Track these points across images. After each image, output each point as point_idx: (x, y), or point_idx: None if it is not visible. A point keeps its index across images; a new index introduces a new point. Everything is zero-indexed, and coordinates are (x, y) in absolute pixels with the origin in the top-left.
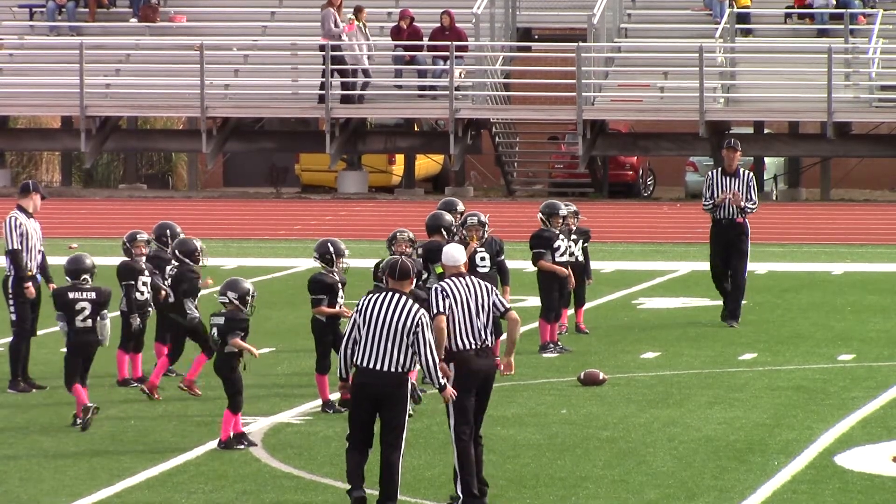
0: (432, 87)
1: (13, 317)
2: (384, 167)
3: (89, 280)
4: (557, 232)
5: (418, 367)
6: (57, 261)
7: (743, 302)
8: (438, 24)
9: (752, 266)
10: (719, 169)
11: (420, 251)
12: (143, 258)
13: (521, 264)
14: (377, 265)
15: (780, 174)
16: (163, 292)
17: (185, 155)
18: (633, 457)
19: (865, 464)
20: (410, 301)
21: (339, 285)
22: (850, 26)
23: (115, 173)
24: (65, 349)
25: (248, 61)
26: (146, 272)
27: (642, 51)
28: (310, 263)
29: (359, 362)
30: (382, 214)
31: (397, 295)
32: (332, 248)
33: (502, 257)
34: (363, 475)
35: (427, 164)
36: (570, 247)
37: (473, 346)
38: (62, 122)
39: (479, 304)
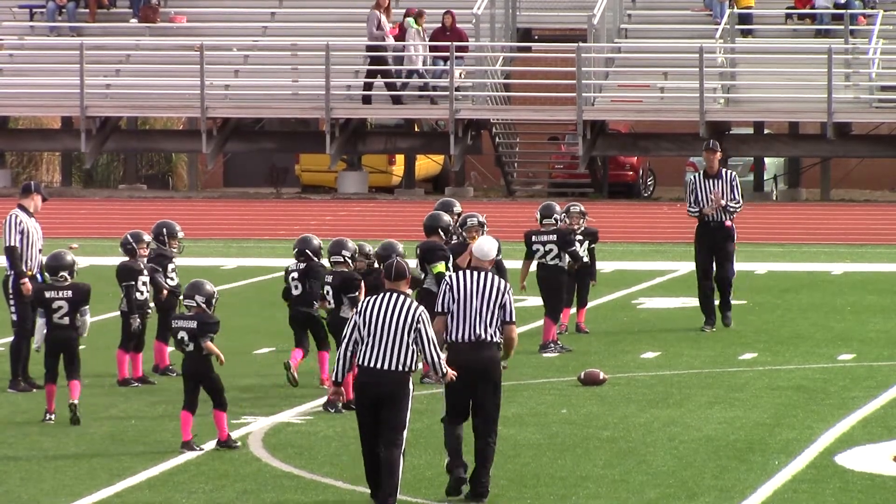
0: (433, 88)
1: (14, 317)
2: (384, 167)
3: (68, 277)
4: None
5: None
6: None
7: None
8: (439, 25)
9: (752, 266)
10: (701, 171)
11: (417, 251)
12: (145, 259)
13: (520, 264)
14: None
15: (780, 174)
16: (164, 291)
17: (185, 155)
18: (633, 456)
19: (866, 463)
20: (409, 300)
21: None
22: (850, 27)
23: (115, 174)
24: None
25: (249, 62)
26: (146, 272)
27: (642, 51)
28: None
29: (360, 362)
30: (382, 215)
31: (395, 294)
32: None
33: (499, 257)
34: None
35: (427, 164)
36: (551, 249)
37: (467, 339)
38: (62, 123)
39: (484, 299)
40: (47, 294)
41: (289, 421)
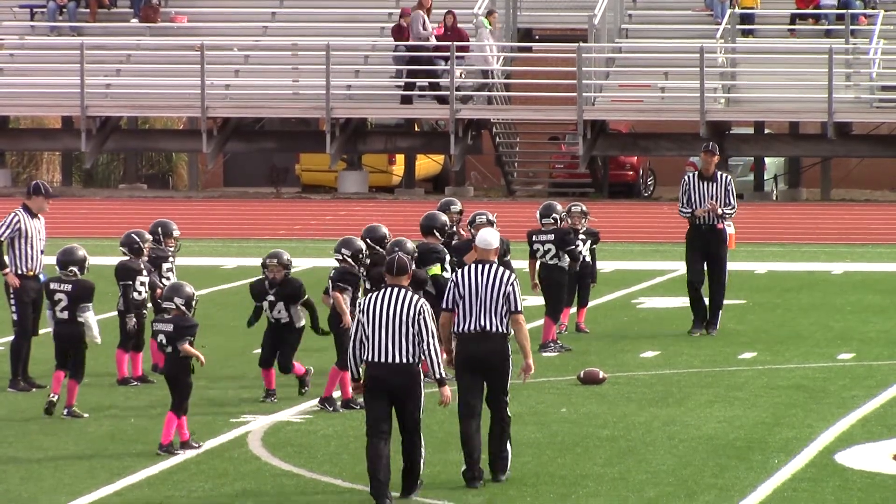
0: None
1: (14, 316)
2: (384, 167)
3: (77, 272)
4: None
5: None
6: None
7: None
8: (439, 24)
9: (752, 265)
10: (696, 172)
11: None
12: (146, 258)
13: (521, 264)
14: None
15: (780, 174)
16: (158, 290)
17: (185, 155)
18: (633, 455)
19: (865, 462)
20: (410, 293)
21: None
22: (851, 27)
23: (115, 173)
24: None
25: (249, 61)
26: (144, 272)
27: (643, 51)
28: (310, 263)
29: (368, 358)
30: (383, 214)
31: (397, 289)
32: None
33: (507, 257)
34: (388, 474)
35: (427, 164)
36: (550, 249)
37: (473, 330)
38: (63, 122)
39: (490, 291)
40: (52, 286)
41: (288, 420)
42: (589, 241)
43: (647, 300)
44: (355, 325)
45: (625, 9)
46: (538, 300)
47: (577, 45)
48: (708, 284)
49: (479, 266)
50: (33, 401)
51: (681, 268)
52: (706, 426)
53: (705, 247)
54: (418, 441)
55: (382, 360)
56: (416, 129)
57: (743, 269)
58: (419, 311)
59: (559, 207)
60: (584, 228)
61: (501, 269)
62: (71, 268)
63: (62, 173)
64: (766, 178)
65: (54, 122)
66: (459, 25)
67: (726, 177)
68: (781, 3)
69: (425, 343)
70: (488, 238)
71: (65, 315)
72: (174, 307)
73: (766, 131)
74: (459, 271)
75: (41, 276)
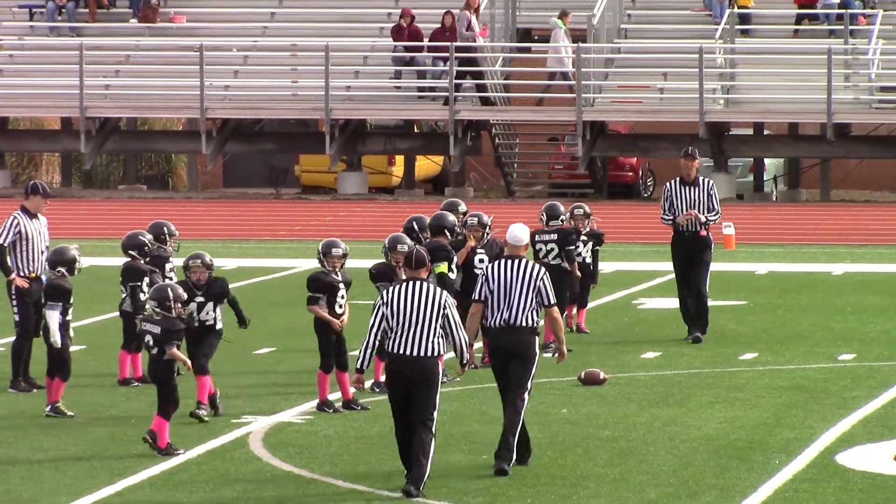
0: (432, 88)
1: (16, 317)
2: (384, 168)
3: (65, 273)
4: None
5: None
6: None
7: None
8: (438, 25)
9: (752, 266)
10: (678, 178)
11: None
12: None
13: None
14: (372, 269)
15: (779, 175)
16: None
17: (184, 156)
18: (633, 456)
19: (866, 462)
20: (433, 286)
21: (342, 285)
22: (850, 27)
23: (114, 174)
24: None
25: (248, 62)
26: (148, 273)
27: (642, 52)
28: (310, 264)
29: (390, 350)
30: (382, 215)
31: (418, 282)
32: (320, 248)
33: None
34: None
35: (427, 165)
36: (552, 249)
37: (501, 324)
38: (62, 124)
39: (519, 285)
40: (36, 286)
41: (289, 420)
42: (591, 243)
43: (648, 301)
44: (376, 316)
45: (624, 9)
46: None
47: (576, 45)
48: (692, 294)
49: (510, 261)
50: (34, 401)
51: None
52: (707, 427)
53: (689, 254)
54: (429, 438)
55: (402, 352)
56: (416, 130)
57: (743, 270)
58: (443, 304)
59: (563, 208)
60: (588, 230)
61: (532, 263)
62: (59, 268)
63: (62, 174)
64: (765, 179)
65: (54, 123)
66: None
67: (709, 181)
68: (780, 3)
69: (453, 335)
70: (518, 234)
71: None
72: (159, 309)
73: (766, 132)
74: (490, 265)
75: (43, 278)
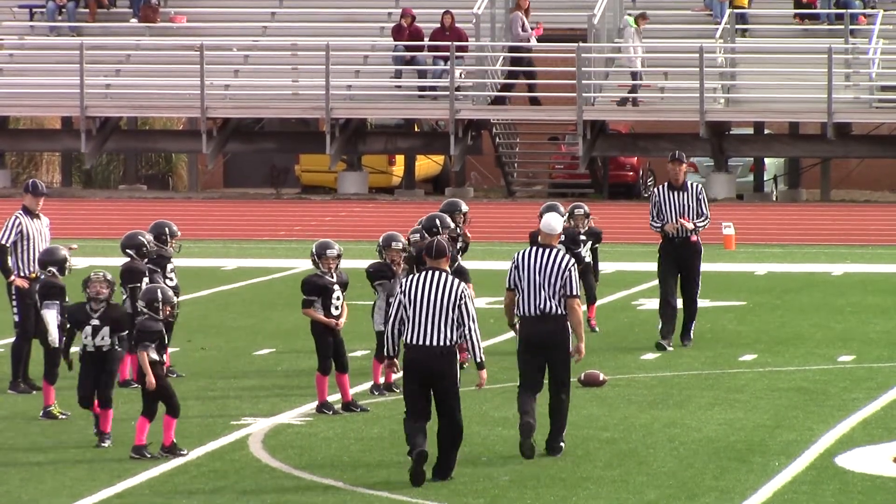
0: (432, 88)
1: (16, 318)
2: (384, 168)
3: (55, 272)
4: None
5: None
6: None
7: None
8: (438, 25)
9: (752, 267)
10: (666, 183)
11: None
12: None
13: None
14: (368, 268)
15: (780, 175)
16: None
17: (185, 156)
18: (633, 457)
19: (866, 464)
20: (451, 277)
21: (336, 286)
22: (851, 26)
23: (114, 174)
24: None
25: (249, 62)
26: (148, 273)
27: (642, 51)
28: (310, 264)
29: (408, 340)
30: (382, 215)
31: (437, 272)
32: (313, 250)
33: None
34: (426, 435)
35: (427, 164)
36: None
37: (534, 312)
38: (62, 123)
39: (550, 274)
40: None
41: (289, 422)
42: (591, 241)
43: (648, 301)
44: (395, 305)
45: (624, 9)
46: None
47: (576, 44)
48: (682, 299)
49: (540, 249)
50: (33, 403)
51: None
52: (707, 428)
53: (678, 260)
54: (457, 424)
55: (421, 342)
56: (416, 129)
57: (743, 271)
58: (460, 294)
59: (563, 209)
60: (587, 229)
61: (562, 253)
62: (50, 268)
63: (62, 174)
64: (765, 178)
65: (54, 122)
66: (458, 25)
67: (697, 186)
68: (780, 2)
69: (466, 327)
70: (552, 223)
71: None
72: (146, 310)
73: (766, 132)
74: (519, 254)
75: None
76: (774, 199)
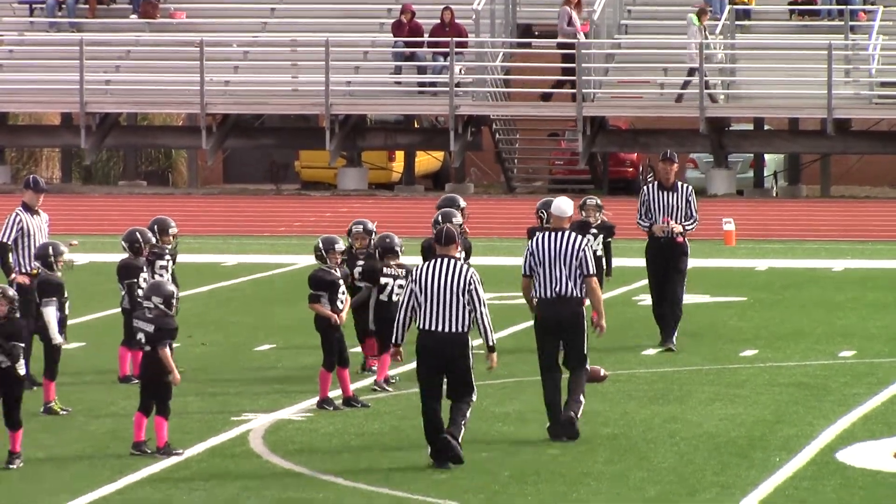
0: (432, 84)
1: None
2: (384, 164)
3: (42, 268)
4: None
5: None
6: None
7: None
8: (438, 21)
9: (752, 262)
10: (655, 183)
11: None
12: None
13: (521, 261)
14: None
15: (780, 171)
16: None
17: (184, 151)
18: (634, 453)
19: (867, 460)
20: (461, 263)
21: (341, 281)
22: (850, 23)
23: (114, 170)
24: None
25: (248, 58)
26: (144, 269)
27: (642, 47)
28: (310, 260)
29: (421, 326)
30: (382, 211)
31: (447, 259)
32: (320, 245)
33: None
34: (441, 425)
35: (427, 160)
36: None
37: (551, 295)
38: (62, 119)
39: (565, 257)
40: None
41: (289, 418)
42: (602, 235)
43: (648, 297)
44: (406, 293)
45: (624, 5)
46: None
47: (577, 41)
48: (665, 299)
49: (554, 233)
50: (34, 399)
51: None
52: (707, 424)
53: (665, 261)
54: (466, 409)
55: (433, 328)
56: (416, 125)
57: (743, 266)
58: (470, 280)
59: None
60: (599, 222)
61: (574, 235)
62: (35, 263)
63: (62, 170)
64: (765, 174)
65: (54, 118)
66: (458, 21)
67: (687, 186)
68: None
69: (477, 312)
70: (563, 206)
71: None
72: (153, 306)
73: (766, 127)
74: (534, 239)
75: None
76: (775, 195)
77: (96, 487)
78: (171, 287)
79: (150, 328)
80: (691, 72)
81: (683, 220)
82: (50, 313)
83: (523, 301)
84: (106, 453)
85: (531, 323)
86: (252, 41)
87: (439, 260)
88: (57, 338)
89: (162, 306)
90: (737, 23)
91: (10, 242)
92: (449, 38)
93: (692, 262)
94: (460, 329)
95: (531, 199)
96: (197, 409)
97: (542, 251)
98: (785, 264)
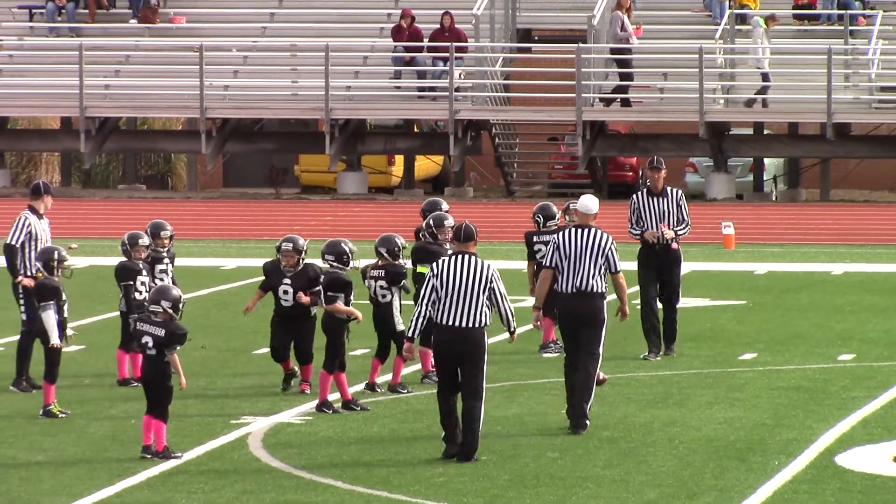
0: (432, 88)
1: (23, 316)
2: (384, 168)
3: (42, 271)
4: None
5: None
6: None
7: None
8: (438, 25)
9: (752, 266)
10: (645, 189)
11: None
12: (141, 261)
13: (520, 264)
14: (364, 268)
15: (779, 175)
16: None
17: (184, 156)
18: (633, 456)
19: (866, 464)
20: (480, 260)
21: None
22: (850, 27)
23: (114, 174)
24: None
25: (248, 62)
26: (144, 272)
27: (642, 52)
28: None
29: (439, 321)
30: (382, 215)
31: (466, 256)
32: (348, 249)
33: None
34: (458, 420)
35: (427, 164)
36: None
37: (572, 290)
38: (62, 123)
39: (589, 253)
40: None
41: (288, 421)
42: None
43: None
44: (426, 288)
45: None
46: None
47: (576, 45)
48: (662, 307)
49: (580, 230)
50: (33, 402)
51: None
52: (706, 427)
53: (658, 268)
54: (478, 406)
55: (451, 322)
56: (416, 129)
57: (743, 270)
58: (490, 277)
59: (556, 208)
60: None
61: (600, 232)
62: (36, 263)
63: (61, 174)
64: (765, 178)
65: (53, 122)
66: (457, 26)
67: (677, 192)
68: (780, 3)
69: (499, 305)
70: (589, 204)
71: (34, 314)
72: (161, 310)
73: (766, 132)
74: (560, 236)
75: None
76: (774, 198)
77: (95, 490)
78: (178, 291)
79: (160, 332)
80: (765, 77)
81: (675, 225)
82: (48, 317)
83: (524, 303)
84: (105, 456)
85: (530, 326)
86: (252, 46)
87: (460, 256)
88: (57, 342)
89: (170, 311)
90: (737, 27)
91: (18, 245)
92: (448, 43)
93: (692, 266)
94: (477, 325)
95: (531, 203)
96: (196, 412)
97: (570, 246)
98: (784, 268)
